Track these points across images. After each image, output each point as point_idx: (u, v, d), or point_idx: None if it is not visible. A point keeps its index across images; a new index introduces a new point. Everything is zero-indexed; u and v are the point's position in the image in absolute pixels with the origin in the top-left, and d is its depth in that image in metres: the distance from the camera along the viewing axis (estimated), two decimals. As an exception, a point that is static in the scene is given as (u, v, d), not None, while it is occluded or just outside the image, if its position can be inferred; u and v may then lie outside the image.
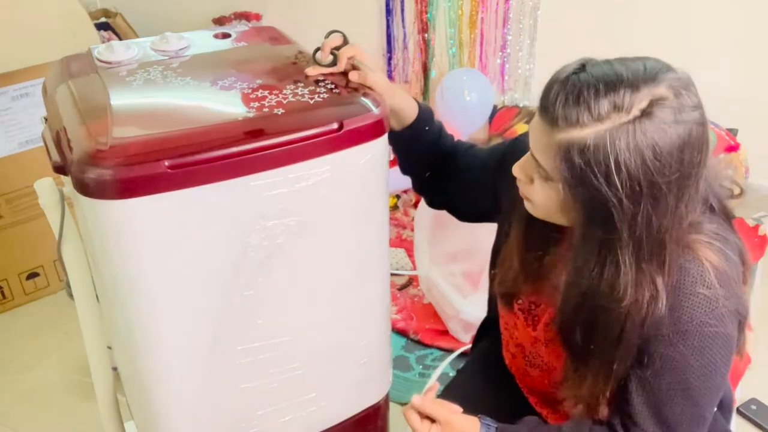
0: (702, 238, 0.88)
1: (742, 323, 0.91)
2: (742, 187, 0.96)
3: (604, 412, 0.96)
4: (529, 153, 0.89)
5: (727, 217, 0.94)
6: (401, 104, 1.09)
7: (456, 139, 1.21)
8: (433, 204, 1.27)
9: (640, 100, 0.78)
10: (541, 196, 0.89)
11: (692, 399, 0.90)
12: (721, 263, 0.87)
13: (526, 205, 0.94)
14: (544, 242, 0.99)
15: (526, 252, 1.01)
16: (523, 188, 0.93)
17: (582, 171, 0.80)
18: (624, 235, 0.82)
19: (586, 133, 0.79)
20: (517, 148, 1.04)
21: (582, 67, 0.82)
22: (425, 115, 1.13)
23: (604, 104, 0.78)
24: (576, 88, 0.80)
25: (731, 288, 0.87)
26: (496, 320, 1.21)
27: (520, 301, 1.08)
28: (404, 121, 1.12)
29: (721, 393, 0.95)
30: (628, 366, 0.90)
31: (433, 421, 0.98)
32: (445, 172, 1.18)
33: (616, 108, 0.78)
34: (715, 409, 0.99)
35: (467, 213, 1.24)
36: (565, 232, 0.94)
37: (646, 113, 0.78)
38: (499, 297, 1.11)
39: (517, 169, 0.92)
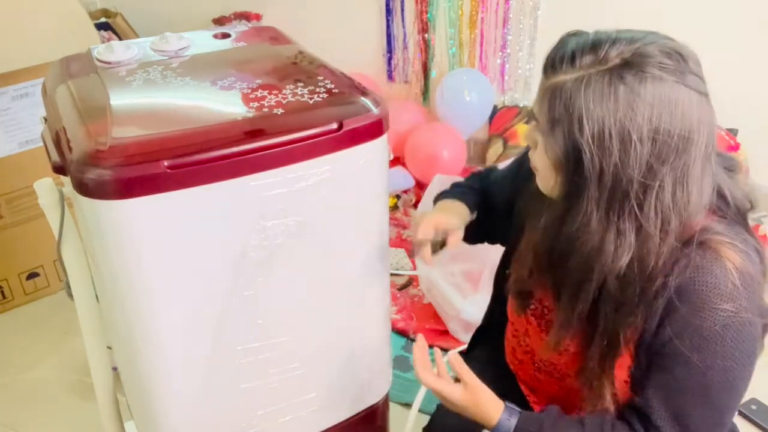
0: (724, 239, 0.87)
1: (765, 326, 0.90)
2: (753, 202, 0.94)
3: (606, 398, 0.94)
4: (534, 123, 0.91)
5: (745, 223, 0.93)
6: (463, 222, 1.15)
7: (476, 172, 1.25)
8: (474, 241, 1.27)
9: (622, 52, 0.80)
10: (537, 158, 0.90)
11: (713, 404, 0.89)
12: (744, 264, 0.85)
13: (536, 178, 0.94)
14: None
15: (541, 246, 1.00)
16: (531, 156, 0.94)
17: (558, 115, 0.82)
18: (590, 182, 0.82)
19: (567, 77, 0.82)
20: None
21: (582, 32, 0.86)
22: (475, 203, 1.19)
23: (588, 56, 0.81)
24: (570, 43, 0.84)
25: (754, 290, 0.86)
26: (494, 327, 1.21)
27: (533, 306, 1.07)
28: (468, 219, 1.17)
29: (743, 397, 0.93)
30: (614, 329, 0.89)
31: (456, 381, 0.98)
32: (483, 215, 1.21)
33: (597, 58, 0.81)
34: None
35: (504, 235, 1.22)
36: None
37: (626, 63, 0.79)
38: (513, 298, 1.10)
39: (525, 135, 0.94)
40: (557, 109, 0.82)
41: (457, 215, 1.13)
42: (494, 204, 1.19)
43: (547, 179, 0.90)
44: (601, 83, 0.79)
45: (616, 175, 0.81)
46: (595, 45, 0.82)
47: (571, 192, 0.85)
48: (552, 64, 0.85)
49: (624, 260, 0.84)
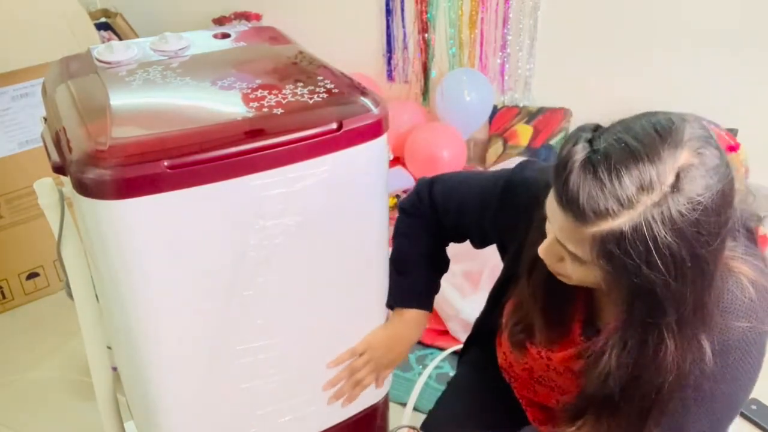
0: (735, 254, 0.85)
1: None
2: (759, 216, 0.93)
3: None
4: (553, 238, 0.83)
5: (753, 238, 0.92)
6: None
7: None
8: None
9: (666, 173, 0.72)
10: (578, 274, 0.84)
11: (717, 424, 0.88)
12: (759, 278, 0.84)
13: (559, 276, 0.89)
14: (565, 293, 0.94)
15: (546, 304, 0.97)
16: (554, 266, 0.87)
17: (623, 260, 0.74)
18: (670, 314, 0.78)
19: (619, 222, 0.73)
20: (515, 190, 1.03)
21: (590, 146, 0.76)
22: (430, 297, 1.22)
23: (630, 188, 0.72)
24: (596, 177, 0.74)
25: None
26: (486, 334, 1.20)
27: (534, 340, 1.03)
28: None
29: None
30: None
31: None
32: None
33: (643, 188, 0.72)
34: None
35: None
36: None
37: (675, 187, 0.72)
38: (512, 345, 1.07)
39: (543, 253, 0.86)
40: (617, 255, 0.74)
41: (415, 333, 1.19)
42: (467, 232, 1.17)
43: (586, 284, 0.86)
44: (663, 215, 0.72)
45: (697, 299, 0.78)
46: (631, 167, 0.73)
47: (645, 324, 0.80)
48: (592, 211, 0.74)
49: (706, 361, 0.82)
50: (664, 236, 0.72)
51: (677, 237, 0.72)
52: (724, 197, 0.75)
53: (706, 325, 0.81)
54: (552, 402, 1.08)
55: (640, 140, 0.74)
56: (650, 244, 0.72)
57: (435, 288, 1.23)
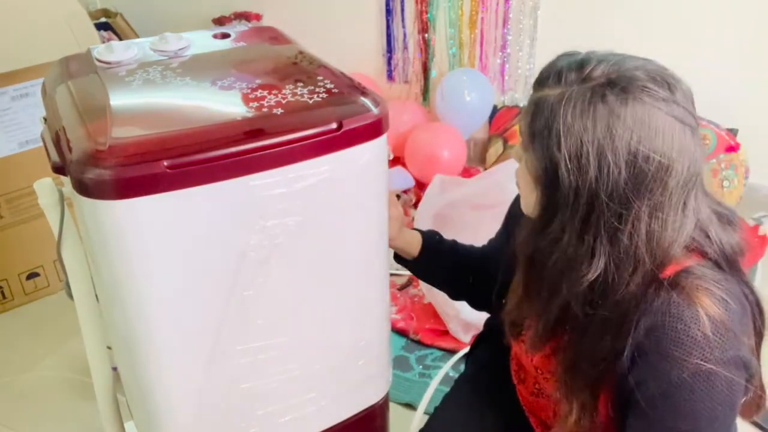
0: (701, 284, 0.82)
1: (751, 377, 0.85)
2: (743, 248, 0.90)
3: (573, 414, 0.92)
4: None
5: (736, 266, 0.88)
6: (406, 241, 1.21)
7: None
8: (479, 306, 1.30)
9: (608, 73, 0.80)
10: (519, 174, 0.91)
11: None
12: (719, 312, 0.80)
13: (521, 200, 0.95)
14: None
15: (529, 281, 0.99)
16: (516, 174, 0.94)
17: (539, 129, 0.82)
18: (567, 199, 0.82)
19: (551, 92, 0.82)
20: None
21: (576, 52, 0.86)
22: (431, 237, 1.23)
23: (573, 73, 0.81)
24: (559, 61, 0.84)
25: (728, 340, 0.80)
26: (494, 333, 1.20)
27: (523, 332, 1.06)
28: (414, 251, 1.22)
29: None
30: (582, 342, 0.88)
31: None
32: (480, 275, 1.21)
33: (581, 76, 0.81)
34: None
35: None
36: None
37: (610, 83, 0.79)
38: (507, 327, 1.08)
39: (513, 150, 0.94)
40: (538, 123, 0.82)
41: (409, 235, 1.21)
42: (488, 268, 1.18)
43: (527, 196, 0.90)
44: (582, 100, 0.79)
45: (591, 195, 0.80)
46: (583, 63, 0.82)
47: (548, 208, 0.85)
48: (540, 81, 0.85)
49: (590, 277, 0.83)
50: (579, 119, 0.78)
51: (589, 125, 0.78)
52: (664, 127, 0.78)
53: (605, 240, 0.82)
54: (549, 416, 1.08)
55: (619, 55, 0.83)
56: (562, 119, 0.79)
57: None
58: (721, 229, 0.87)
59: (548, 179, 0.83)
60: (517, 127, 2.72)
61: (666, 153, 0.78)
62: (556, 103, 0.80)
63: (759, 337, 0.88)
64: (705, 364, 0.79)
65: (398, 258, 1.26)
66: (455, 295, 1.34)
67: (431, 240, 1.23)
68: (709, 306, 0.80)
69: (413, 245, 1.21)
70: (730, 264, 0.87)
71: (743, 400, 0.86)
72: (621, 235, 0.81)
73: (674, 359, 0.80)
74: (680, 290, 0.81)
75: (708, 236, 0.85)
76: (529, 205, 0.91)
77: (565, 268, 0.85)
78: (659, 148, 0.78)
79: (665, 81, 0.80)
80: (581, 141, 0.78)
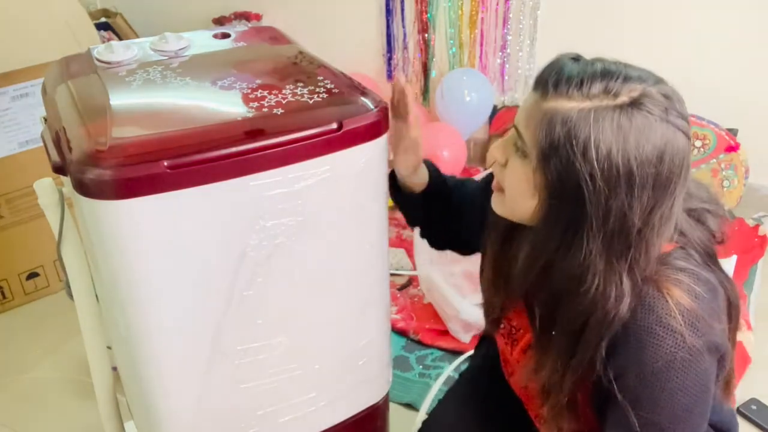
0: (669, 273, 0.84)
1: (722, 359, 0.87)
2: (723, 237, 0.92)
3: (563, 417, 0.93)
4: (512, 128, 0.87)
5: (710, 256, 0.91)
6: (419, 176, 1.13)
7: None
8: (438, 244, 1.26)
9: (631, 90, 0.79)
10: (512, 178, 0.87)
11: None
12: (688, 302, 0.82)
13: (494, 198, 0.92)
14: (511, 244, 0.97)
15: (497, 260, 1.00)
16: (498, 174, 0.91)
17: (560, 141, 0.79)
18: (594, 221, 0.79)
19: (573, 105, 0.79)
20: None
21: (582, 57, 0.85)
22: (435, 170, 1.15)
23: (597, 86, 0.79)
24: (573, 68, 0.81)
25: (699, 328, 0.82)
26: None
27: (503, 325, 1.06)
28: (423, 178, 1.13)
29: (702, 427, 0.89)
30: (584, 365, 0.87)
31: None
32: (444, 211, 1.17)
33: (607, 91, 0.79)
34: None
35: (469, 247, 1.22)
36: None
37: (635, 102, 0.78)
38: (486, 322, 1.09)
39: (495, 149, 0.90)
40: (558, 135, 0.79)
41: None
42: (462, 210, 1.15)
43: (517, 201, 0.88)
44: (613, 119, 0.77)
45: (622, 218, 0.79)
46: (605, 76, 0.80)
47: (566, 226, 0.82)
48: (554, 85, 0.81)
49: (624, 308, 0.82)
50: (607, 135, 0.77)
51: (619, 141, 0.77)
52: (677, 142, 0.79)
53: (630, 270, 0.82)
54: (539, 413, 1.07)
55: (626, 67, 0.82)
56: (591, 134, 0.77)
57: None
58: (689, 226, 0.89)
59: (565, 194, 0.81)
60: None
61: (682, 172, 0.81)
62: (582, 117, 0.78)
63: (733, 320, 0.90)
64: (678, 352, 0.81)
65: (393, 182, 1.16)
66: (425, 232, 1.27)
67: (437, 180, 1.16)
68: (679, 296, 0.82)
69: (419, 185, 1.15)
70: (705, 250, 0.89)
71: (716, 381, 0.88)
72: (639, 256, 0.82)
73: (649, 350, 0.82)
74: (651, 283, 0.84)
75: (683, 233, 0.88)
76: (520, 210, 0.88)
77: (600, 297, 0.83)
78: (677, 166, 0.80)
79: (680, 100, 0.82)
80: (612, 160, 0.77)
